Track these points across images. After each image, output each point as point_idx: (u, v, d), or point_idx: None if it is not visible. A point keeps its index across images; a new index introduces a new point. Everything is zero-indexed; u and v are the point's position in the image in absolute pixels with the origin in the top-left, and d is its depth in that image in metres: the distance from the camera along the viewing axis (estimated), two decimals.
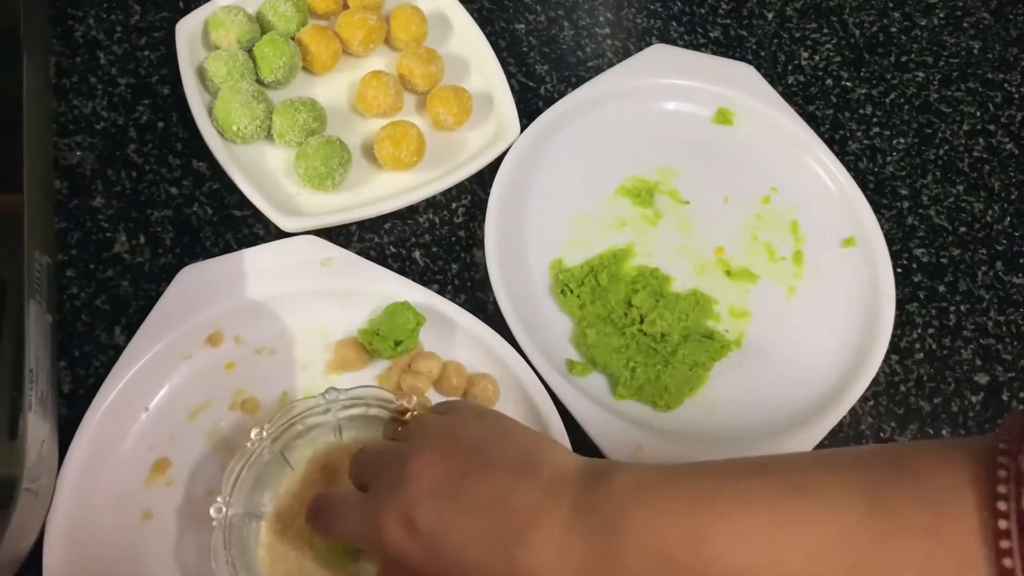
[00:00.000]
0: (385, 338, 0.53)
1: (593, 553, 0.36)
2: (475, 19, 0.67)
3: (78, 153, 0.59)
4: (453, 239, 0.61)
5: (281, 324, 0.55)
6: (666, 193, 0.64)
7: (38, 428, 0.44)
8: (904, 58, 0.76)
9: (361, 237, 0.59)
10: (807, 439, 0.55)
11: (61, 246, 0.55)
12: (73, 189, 0.57)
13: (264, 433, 0.46)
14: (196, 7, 0.63)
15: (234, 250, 0.56)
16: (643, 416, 0.55)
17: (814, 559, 0.33)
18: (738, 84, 0.68)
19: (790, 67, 0.73)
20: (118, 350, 0.53)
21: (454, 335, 0.55)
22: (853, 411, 0.58)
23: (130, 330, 0.54)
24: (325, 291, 0.55)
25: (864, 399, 0.59)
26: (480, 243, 0.60)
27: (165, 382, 0.52)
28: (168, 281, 0.55)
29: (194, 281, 0.54)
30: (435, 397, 0.54)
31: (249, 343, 0.54)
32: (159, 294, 0.55)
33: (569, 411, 0.53)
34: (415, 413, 0.47)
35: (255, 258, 0.55)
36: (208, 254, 0.56)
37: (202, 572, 0.48)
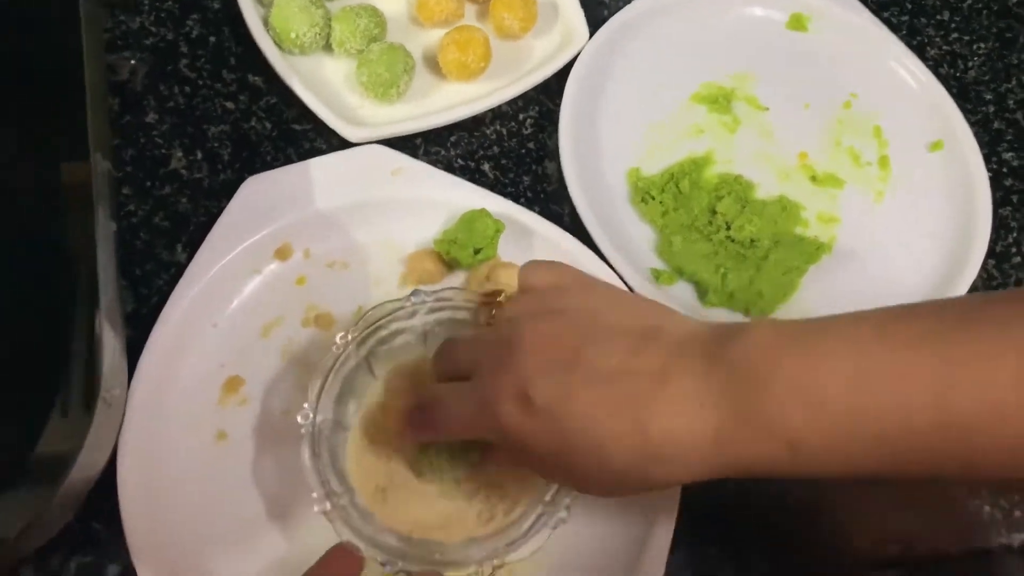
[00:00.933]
0: (464, 246, 0.50)
1: (734, 407, 0.33)
2: None
3: (128, 69, 0.56)
4: (523, 151, 0.57)
5: (352, 237, 0.52)
6: (744, 99, 0.61)
7: (110, 335, 0.41)
8: None
9: (427, 151, 0.56)
10: None
11: (116, 162, 0.53)
12: (125, 105, 0.54)
13: (349, 336, 0.44)
14: None
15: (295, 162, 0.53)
16: None
17: (1015, 390, 0.30)
18: None
19: None
20: (180, 267, 0.50)
21: (532, 244, 0.52)
22: None
23: (191, 247, 0.51)
24: (396, 202, 0.52)
25: None
26: (551, 154, 0.57)
27: (234, 297, 0.49)
28: (229, 197, 0.52)
29: (259, 192, 0.51)
30: None
31: (320, 257, 0.51)
32: (220, 210, 0.52)
33: None
34: (508, 295, 0.44)
35: (322, 168, 0.52)
36: (269, 169, 0.53)
37: (280, 494, 0.45)
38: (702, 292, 0.53)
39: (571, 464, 0.36)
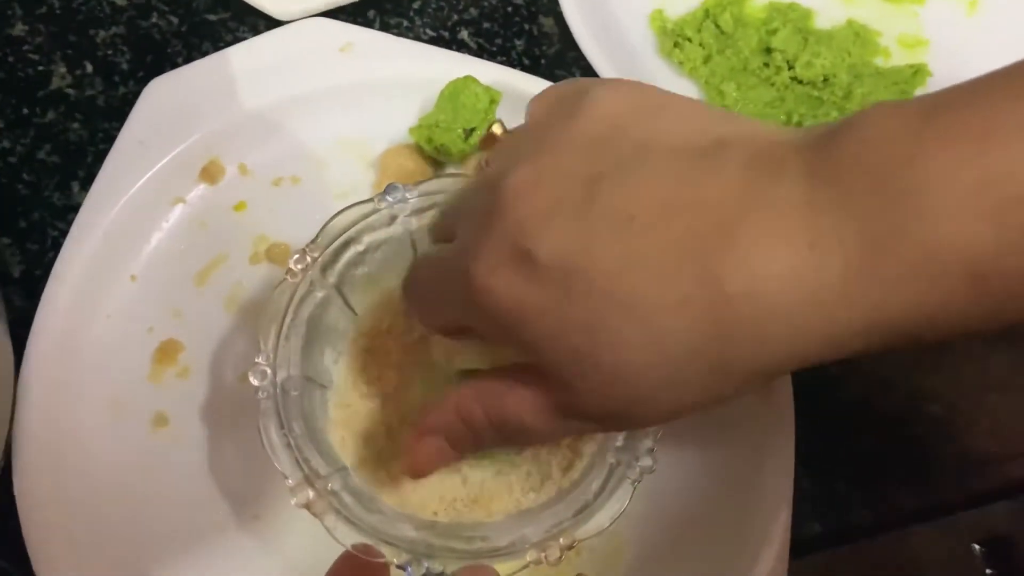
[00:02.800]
0: (449, 128, 0.37)
1: (870, 234, 0.20)
2: None
3: None
4: (509, 8, 0.44)
5: (300, 140, 0.39)
6: None
7: None
8: None
9: (383, 23, 0.43)
10: None
11: None
12: None
13: (308, 259, 0.31)
14: None
15: None
16: None
17: None
18: None
19: None
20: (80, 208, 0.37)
21: None
22: None
23: (92, 182, 0.38)
24: (352, 87, 0.39)
25: None
26: (545, 9, 0.44)
27: (152, 237, 0.37)
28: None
29: (169, 97, 0.38)
30: None
31: (261, 171, 0.38)
32: None
33: None
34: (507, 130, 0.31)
35: (248, 55, 0.39)
36: None
37: (245, 487, 0.33)
38: None
39: (598, 361, 0.23)
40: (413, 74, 0.39)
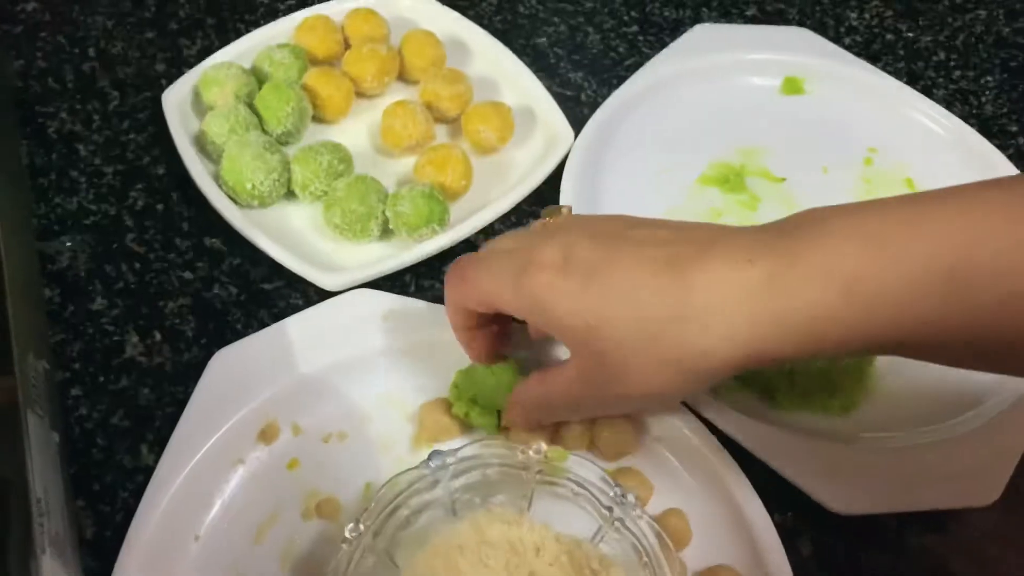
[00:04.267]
0: (485, 411, 0.42)
1: (787, 254, 0.32)
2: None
3: (68, 255, 0.49)
4: None
5: (347, 401, 0.43)
6: (756, 174, 0.55)
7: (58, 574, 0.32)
8: (958, 0, 0.68)
9: (419, 285, 0.49)
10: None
11: (61, 361, 0.45)
12: (67, 294, 0.47)
13: (361, 527, 0.35)
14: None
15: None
16: (824, 426, 0.44)
17: None
18: (798, 48, 0.60)
19: (842, 29, 0.65)
20: (149, 472, 0.41)
21: None
22: None
23: (161, 446, 0.42)
24: (393, 351, 0.44)
25: None
26: None
27: (215, 499, 0.40)
28: (197, 378, 0.44)
29: (230, 367, 0.43)
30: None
31: (312, 431, 0.43)
32: (187, 396, 0.44)
33: (736, 440, 0.42)
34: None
35: (300, 326, 0.44)
36: (241, 338, 0.45)
37: None
38: (769, 394, 0.45)
39: (599, 333, 0.34)
40: (448, 337, 0.44)
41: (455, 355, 0.44)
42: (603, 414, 0.41)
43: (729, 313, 0.32)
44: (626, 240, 0.35)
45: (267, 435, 0.42)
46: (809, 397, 0.44)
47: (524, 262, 0.35)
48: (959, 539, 0.42)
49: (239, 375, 0.42)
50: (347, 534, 0.34)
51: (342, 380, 0.43)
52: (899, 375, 0.45)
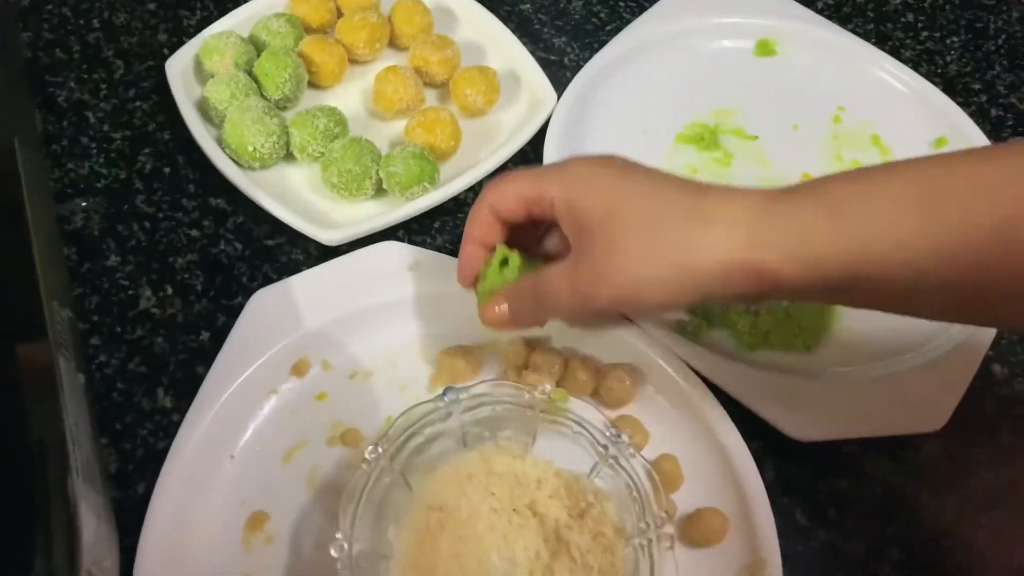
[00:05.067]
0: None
1: (782, 192, 0.36)
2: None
3: (82, 215, 0.52)
4: None
5: (373, 342, 0.47)
6: (730, 132, 0.58)
7: (90, 499, 0.36)
8: None
9: (411, 241, 0.52)
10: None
11: (80, 313, 0.48)
12: (83, 253, 0.50)
13: (380, 450, 0.38)
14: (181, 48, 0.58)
15: (274, 281, 0.48)
16: (788, 364, 0.47)
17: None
18: (771, 11, 0.62)
19: None
20: (165, 413, 0.45)
21: (570, 328, 0.47)
22: None
23: (174, 389, 0.46)
24: (417, 299, 0.48)
25: None
26: None
27: (249, 423, 0.44)
28: (208, 328, 0.48)
29: (268, 307, 0.46)
30: None
31: (340, 368, 0.46)
32: (200, 344, 0.48)
33: (706, 377, 0.45)
34: None
35: (333, 273, 0.48)
36: (246, 291, 0.48)
37: None
38: (737, 335, 0.48)
39: (619, 217, 0.37)
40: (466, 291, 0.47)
41: (473, 306, 0.47)
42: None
43: (732, 218, 0.36)
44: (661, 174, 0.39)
45: (299, 369, 0.45)
46: (773, 336, 0.48)
47: (569, 159, 0.40)
48: (910, 464, 0.46)
49: (275, 314, 0.46)
50: (367, 455, 0.38)
51: (369, 324, 0.47)
52: (856, 316, 0.49)
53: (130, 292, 0.49)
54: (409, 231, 0.53)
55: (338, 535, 0.36)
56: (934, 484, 0.46)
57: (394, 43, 0.60)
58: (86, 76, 0.58)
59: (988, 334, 0.49)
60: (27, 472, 0.33)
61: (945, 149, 0.57)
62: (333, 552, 0.35)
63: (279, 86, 0.54)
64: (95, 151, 0.55)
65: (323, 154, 0.52)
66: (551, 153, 0.54)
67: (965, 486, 0.45)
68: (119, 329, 0.48)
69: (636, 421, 0.45)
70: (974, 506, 0.45)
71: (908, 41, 0.65)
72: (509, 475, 0.41)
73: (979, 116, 0.60)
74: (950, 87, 0.62)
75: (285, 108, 0.56)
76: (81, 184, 0.53)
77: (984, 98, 0.62)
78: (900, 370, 0.46)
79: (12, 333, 0.36)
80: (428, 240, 0.53)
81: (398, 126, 0.56)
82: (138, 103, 0.57)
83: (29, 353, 0.36)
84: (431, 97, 0.58)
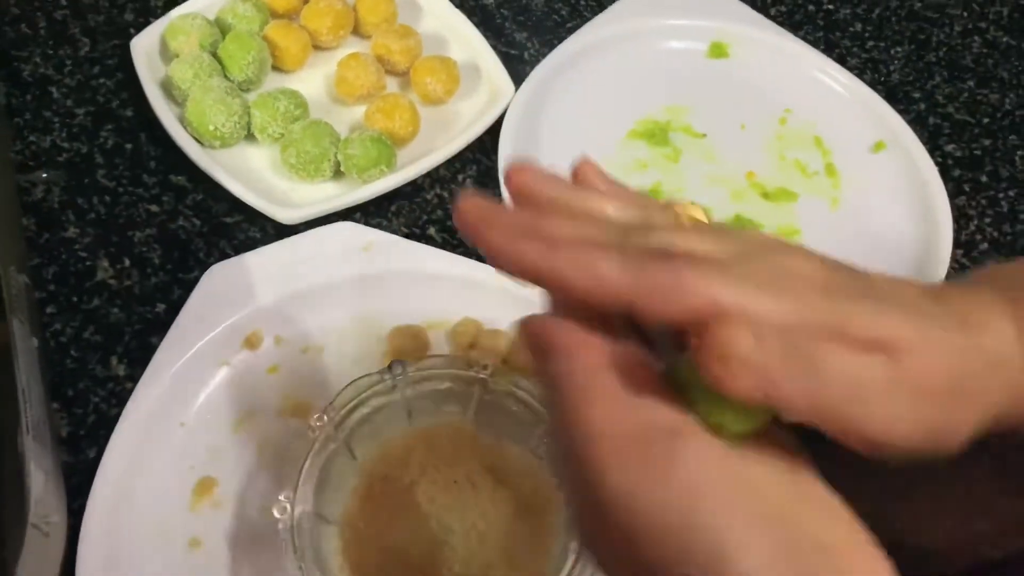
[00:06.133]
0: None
1: None
2: None
3: (42, 187, 0.53)
4: None
5: (327, 318, 0.48)
6: (680, 129, 0.60)
7: (39, 457, 0.37)
8: None
9: (367, 223, 0.54)
10: None
11: (37, 282, 0.49)
12: (43, 223, 0.51)
13: (326, 418, 0.40)
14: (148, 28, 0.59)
15: (231, 257, 0.50)
16: None
17: None
18: (725, 15, 0.65)
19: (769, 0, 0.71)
20: (118, 381, 0.46)
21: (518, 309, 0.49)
22: None
23: (128, 358, 0.47)
24: (371, 277, 0.49)
25: None
26: None
27: (201, 392, 0.46)
28: (164, 300, 0.49)
29: (224, 280, 0.48)
30: None
31: (293, 342, 0.48)
32: (155, 316, 0.49)
33: None
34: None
35: (290, 249, 0.49)
36: (203, 265, 0.50)
37: None
38: None
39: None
40: (419, 269, 0.49)
41: (424, 286, 0.48)
42: None
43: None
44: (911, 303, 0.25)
45: (251, 342, 0.47)
46: None
47: (820, 331, 0.22)
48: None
49: (231, 288, 0.47)
50: (313, 422, 0.40)
51: (323, 301, 0.48)
52: None
53: (88, 263, 0.50)
54: (366, 213, 0.54)
55: (282, 497, 0.37)
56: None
57: (358, 31, 0.61)
58: (51, 52, 0.59)
59: None
60: None
61: (883, 153, 0.60)
62: (276, 512, 0.37)
63: (243, 68, 0.55)
64: (58, 125, 0.56)
65: (283, 135, 0.54)
66: (507, 143, 0.55)
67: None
68: (75, 299, 0.49)
69: None
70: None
71: (855, 49, 0.68)
72: (450, 448, 0.42)
73: (917, 123, 0.63)
74: (891, 95, 0.65)
75: (248, 90, 0.57)
76: (43, 157, 0.54)
77: (923, 106, 0.65)
78: None
79: None
80: (384, 223, 0.54)
81: (358, 111, 0.58)
82: (102, 80, 0.58)
83: None
84: (392, 84, 0.60)
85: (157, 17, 0.59)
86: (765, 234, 0.26)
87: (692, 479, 0.22)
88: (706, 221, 0.26)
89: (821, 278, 0.24)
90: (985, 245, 0.58)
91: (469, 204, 0.25)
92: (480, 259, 0.52)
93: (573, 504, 0.26)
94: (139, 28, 0.59)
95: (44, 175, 0.53)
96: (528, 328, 0.25)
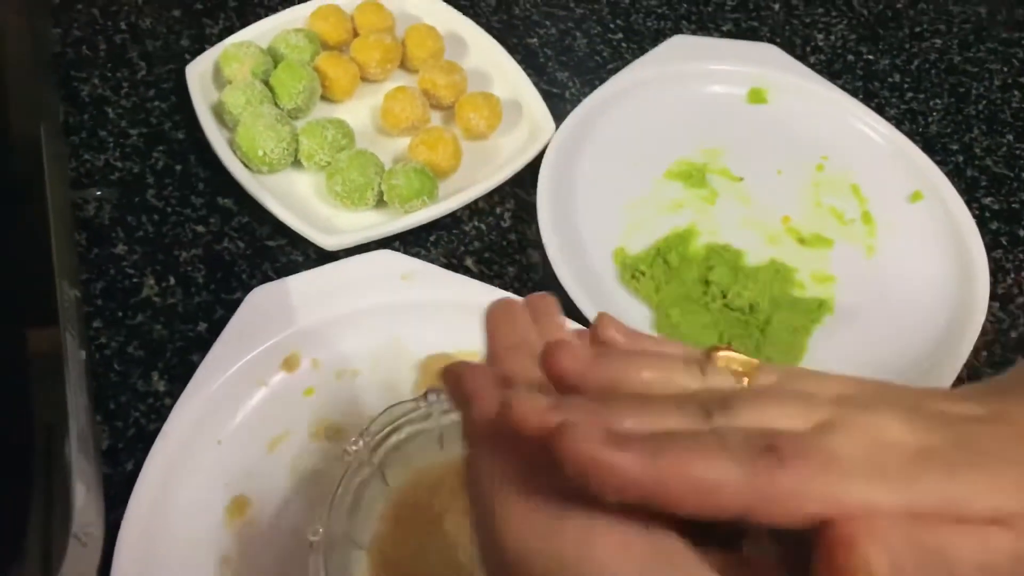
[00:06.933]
0: None
1: None
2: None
3: (95, 204, 0.54)
4: (504, 243, 0.56)
5: (363, 344, 0.49)
6: (717, 172, 0.61)
7: (82, 468, 0.38)
8: (917, 28, 0.75)
9: (406, 252, 0.54)
10: None
11: (86, 296, 0.50)
12: (93, 239, 0.53)
13: (361, 443, 0.40)
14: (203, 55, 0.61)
15: (273, 279, 0.51)
16: None
17: None
18: (765, 62, 0.66)
19: (808, 48, 0.71)
20: (158, 396, 0.47)
21: None
22: (969, 364, 0.53)
23: (169, 374, 0.48)
24: (408, 306, 0.50)
25: (976, 351, 0.53)
26: (533, 244, 0.56)
27: (238, 412, 0.46)
28: (206, 320, 0.50)
29: (266, 302, 0.49)
30: None
31: (329, 366, 0.48)
32: (197, 334, 0.50)
33: None
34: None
35: (331, 275, 0.50)
36: (245, 287, 0.51)
37: None
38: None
39: None
40: (455, 300, 0.50)
41: (460, 316, 0.49)
42: None
43: None
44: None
45: (289, 364, 0.48)
46: None
47: (942, 519, 0.22)
48: None
49: (272, 309, 0.48)
50: (348, 447, 0.40)
51: (360, 326, 0.49)
52: (827, 348, 0.51)
53: (134, 280, 0.52)
54: (405, 242, 0.55)
55: (315, 520, 0.38)
56: None
57: (405, 65, 0.63)
58: (110, 74, 0.61)
59: (955, 367, 0.51)
60: (28, 435, 0.35)
61: (920, 203, 0.60)
62: (310, 536, 0.37)
63: (293, 96, 0.57)
64: (112, 145, 0.57)
65: (329, 163, 0.55)
66: (546, 179, 0.56)
67: None
68: (121, 314, 0.50)
69: None
70: None
71: (894, 100, 0.69)
72: None
73: (955, 175, 0.63)
74: (929, 146, 0.65)
75: (297, 118, 0.59)
76: (96, 175, 0.56)
77: (961, 158, 0.65)
78: None
79: (25, 306, 0.38)
80: (423, 252, 0.55)
81: (402, 143, 0.59)
82: (157, 103, 0.60)
83: (38, 327, 0.38)
84: (436, 118, 0.61)
85: (212, 44, 0.61)
86: (828, 376, 0.25)
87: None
88: (753, 362, 0.25)
89: (913, 443, 0.23)
90: (1022, 299, 0.58)
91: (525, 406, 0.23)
92: (516, 291, 0.52)
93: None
94: (194, 54, 0.61)
95: (97, 192, 0.55)
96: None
